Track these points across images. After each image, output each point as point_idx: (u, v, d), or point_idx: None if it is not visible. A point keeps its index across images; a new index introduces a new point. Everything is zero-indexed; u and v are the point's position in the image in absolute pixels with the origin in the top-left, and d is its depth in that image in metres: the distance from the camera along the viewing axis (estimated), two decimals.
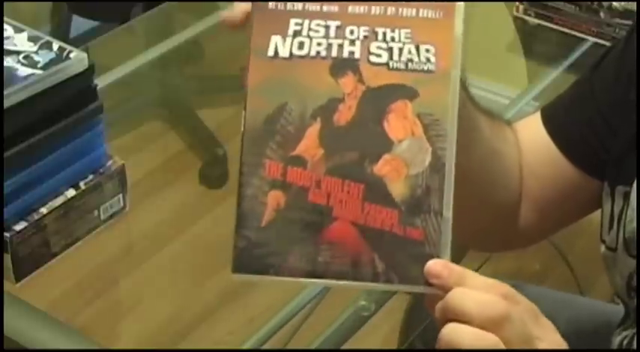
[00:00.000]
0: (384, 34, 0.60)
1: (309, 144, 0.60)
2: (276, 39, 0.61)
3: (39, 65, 1.05)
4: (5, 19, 1.11)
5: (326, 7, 0.61)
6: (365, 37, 0.60)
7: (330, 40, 0.60)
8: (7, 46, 1.08)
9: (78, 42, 1.34)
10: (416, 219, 0.58)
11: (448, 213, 0.59)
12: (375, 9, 0.61)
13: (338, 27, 0.60)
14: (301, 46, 0.61)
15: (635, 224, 0.82)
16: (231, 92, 1.98)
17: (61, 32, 2.42)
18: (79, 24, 2.42)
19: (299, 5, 0.61)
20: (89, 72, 1.09)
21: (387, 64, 0.60)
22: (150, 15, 1.86)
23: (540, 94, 1.48)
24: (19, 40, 1.09)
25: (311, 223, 0.59)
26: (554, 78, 1.52)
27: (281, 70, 0.60)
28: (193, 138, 1.98)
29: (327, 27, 0.60)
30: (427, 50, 0.60)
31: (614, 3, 1.50)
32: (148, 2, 2.16)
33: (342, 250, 0.58)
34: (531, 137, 0.92)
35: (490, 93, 1.92)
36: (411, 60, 0.60)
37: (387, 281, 0.58)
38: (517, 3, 1.59)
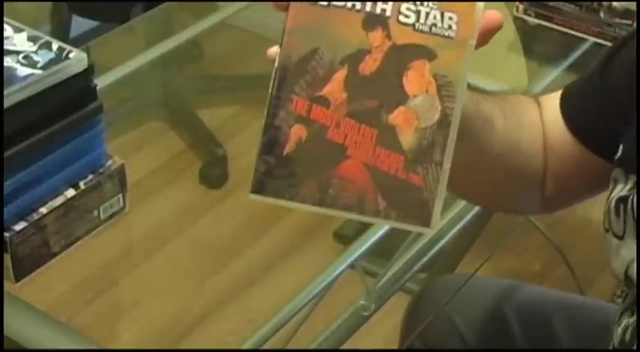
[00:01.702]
0: None
1: (334, 88, 0.65)
2: None
3: (38, 65, 1.05)
4: (5, 19, 1.11)
5: None
6: None
7: None
8: (6, 46, 1.08)
9: (78, 42, 1.33)
10: (419, 166, 0.64)
11: (447, 165, 0.64)
12: None
13: None
14: None
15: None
16: (231, 92, 1.98)
17: (61, 32, 2.42)
18: (79, 24, 2.42)
19: None
20: (89, 72, 1.09)
21: (413, 25, 0.66)
22: (150, 15, 1.86)
23: (540, 94, 1.47)
24: (18, 40, 1.09)
25: (327, 158, 0.65)
26: (554, 78, 1.52)
27: (318, 16, 0.66)
28: (193, 138, 1.99)
29: None
30: (450, 18, 0.66)
31: (614, 3, 1.50)
32: (148, 2, 2.15)
33: (351, 186, 0.64)
34: (552, 115, 0.94)
35: None
36: (435, 24, 0.66)
37: (386, 217, 0.64)
38: (517, 3, 1.59)
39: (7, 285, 1.05)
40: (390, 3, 0.66)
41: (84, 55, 1.08)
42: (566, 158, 0.94)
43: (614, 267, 0.87)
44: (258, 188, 0.65)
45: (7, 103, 1.01)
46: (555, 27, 1.56)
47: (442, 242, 1.25)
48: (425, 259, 1.22)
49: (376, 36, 0.65)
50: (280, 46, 0.66)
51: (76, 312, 1.60)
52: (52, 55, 1.07)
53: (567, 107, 0.94)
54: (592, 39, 1.53)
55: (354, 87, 0.65)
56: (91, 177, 1.12)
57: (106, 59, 1.50)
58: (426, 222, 0.64)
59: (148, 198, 1.69)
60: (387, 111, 0.65)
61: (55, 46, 1.08)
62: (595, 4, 1.51)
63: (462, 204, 1.25)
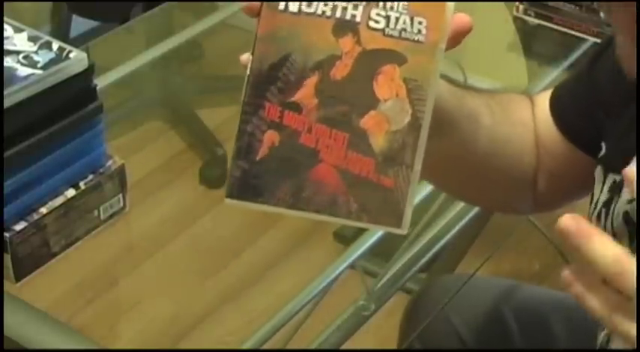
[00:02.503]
0: (385, 3, 0.67)
1: (306, 93, 0.66)
2: None
3: (39, 65, 1.05)
4: (5, 19, 1.11)
5: None
6: (367, 3, 0.67)
7: (336, 2, 0.67)
8: (6, 46, 1.08)
9: (78, 42, 1.33)
10: (389, 169, 0.66)
11: (418, 167, 0.66)
12: None
13: None
14: (309, 4, 0.67)
15: (621, 218, 0.82)
16: (231, 92, 1.98)
17: (61, 32, 2.42)
18: (79, 24, 2.42)
19: None
20: (89, 72, 1.09)
21: (383, 30, 0.67)
22: (150, 15, 1.86)
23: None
24: (18, 40, 1.09)
25: (299, 162, 0.66)
26: (554, 78, 1.52)
27: (289, 23, 0.67)
28: (193, 138, 1.99)
29: None
30: (420, 22, 0.67)
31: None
32: (148, 2, 2.15)
33: (324, 189, 0.66)
34: (543, 113, 0.95)
35: None
36: (404, 29, 0.67)
37: (358, 219, 0.66)
38: (517, 3, 1.59)
39: (7, 285, 1.05)
40: (360, 9, 0.67)
41: (84, 55, 1.08)
42: (558, 156, 0.94)
43: None
44: (233, 192, 0.66)
45: (7, 103, 1.01)
46: (555, 27, 1.56)
47: (442, 242, 1.25)
48: (425, 259, 1.22)
49: (346, 42, 0.67)
50: (252, 53, 0.67)
51: (76, 312, 1.60)
52: (52, 55, 1.07)
53: (556, 106, 0.94)
54: (592, 39, 1.53)
55: (325, 92, 0.66)
56: (91, 177, 1.12)
57: (106, 59, 1.50)
58: (397, 223, 0.66)
59: (148, 198, 1.69)
60: (358, 115, 0.66)
61: (55, 46, 1.08)
62: (595, 4, 1.51)
63: (461, 204, 1.25)
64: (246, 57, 0.68)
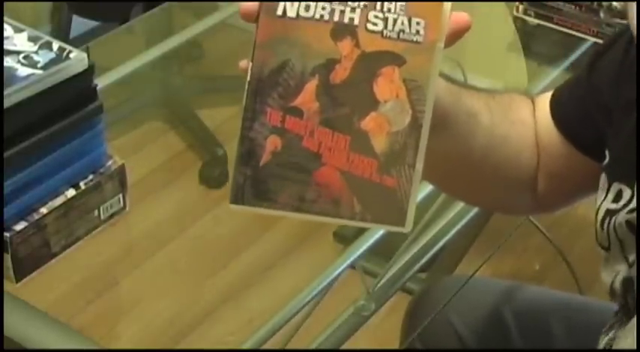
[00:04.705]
0: (382, 4, 0.67)
1: (306, 98, 0.67)
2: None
3: (39, 65, 1.05)
4: (5, 19, 1.11)
5: None
6: (365, 5, 0.67)
7: (334, 6, 0.67)
8: (7, 46, 1.08)
9: (78, 42, 1.33)
10: (392, 169, 0.66)
11: (420, 166, 0.66)
12: None
13: None
14: (307, 8, 0.67)
15: (625, 227, 0.82)
16: (231, 92, 1.98)
17: (61, 32, 2.42)
18: (79, 24, 2.42)
19: None
20: (89, 72, 1.09)
21: (381, 32, 0.67)
22: (150, 15, 1.86)
23: (540, 94, 1.48)
24: (19, 40, 1.09)
25: (302, 166, 0.67)
26: (554, 78, 1.52)
27: (287, 28, 0.67)
28: (193, 138, 1.99)
29: None
30: (418, 23, 0.67)
31: (614, 3, 1.50)
32: (148, 2, 2.16)
33: (327, 191, 0.67)
34: (543, 114, 0.95)
35: None
36: (402, 31, 0.67)
37: (362, 219, 0.66)
38: (517, 3, 1.59)
39: (7, 285, 1.05)
40: (358, 12, 0.67)
41: (84, 55, 1.08)
42: (558, 158, 0.94)
43: (602, 276, 0.87)
44: (238, 198, 0.67)
45: (7, 103, 1.01)
46: (555, 27, 1.56)
47: (442, 242, 1.25)
48: (425, 259, 1.22)
49: (345, 45, 0.67)
50: (251, 60, 0.67)
51: (76, 312, 1.60)
52: (52, 55, 1.07)
53: (557, 109, 0.94)
54: (592, 39, 1.53)
55: (325, 96, 0.67)
56: (91, 177, 1.12)
57: (106, 59, 1.50)
58: (400, 221, 0.66)
59: (148, 198, 1.69)
60: (359, 117, 0.66)
61: (55, 46, 1.08)
62: (595, 4, 1.51)
63: (461, 204, 1.25)
64: (245, 63, 0.68)
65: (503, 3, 1.66)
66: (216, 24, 1.74)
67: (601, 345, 0.91)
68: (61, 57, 1.07)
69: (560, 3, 1.54)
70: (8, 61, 1.05)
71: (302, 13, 0.67)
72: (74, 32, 2.45)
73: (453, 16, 0.68)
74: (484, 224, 1.56)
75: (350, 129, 0.66)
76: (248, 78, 0.67)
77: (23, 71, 1.04)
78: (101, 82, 1.16)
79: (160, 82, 1.95)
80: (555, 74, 1.53)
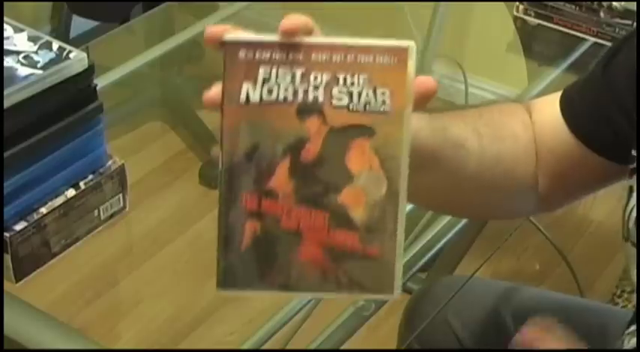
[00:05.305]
0: (345, 79, 0.67)
1: (280, 179, 0.67)
2: (247, 86, 0.67)
3: (39, 65, 1.05)
4: (5, 19, 1.11)
5: (291, 55, 0.67)
6: (327, 82, 0.67)
7: (297, 86, 0.67)
8: (7, 46, 1.08)
9: (78, 42, 1.33)
10: (374, 239, 0.67)
11: (401, 232, 0.67)
12: (336, 56, 0.67)
13: (303, 73, 0.67)
14: (270, 92, 0.67)
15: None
16: None
17: (61, 32, 2.42)
18: (79, 24, 2.42)
19: (267, 54, 0.67)
20: (89, 72, 1.09)
21: (347, 106, 0.67)
22: (150, 15, 1.86)
23: (540, 94, 1.47)
24: (19, 40, 1.09)
25: (284, 247, 0.67)
26: (554, 78, 1.52)
27: (253, 114, 0.67)
28: (193, 138, 1.99)
29: (293, 74, 0.67)
30: (383, 93, 0.67)
31: (614, 3, 1.50)
32: (148, 2, 2.16)
33: (312, 268, 0.67)
34: (547, 117, 0.94)
35: (490, 93, 1.92)
36: (368, 102, 0.67)
37: (349, 291, 0.67)
38: (517, 3, 1.59)
39: (7, 285, 1.05)
40: (321, 89, 0.67)
41: (84, 55, 1.08)
42: (564, 158, 0.93)
43: (631, 275, 0.87)
44: (224, 283, 0.68)
45: (7, 103, 1.01)
46: (555, 27, 1.56)
47: (442, 242, 1.25)
48: (425, 259, 1.22)
49: (312, 123, 0.67)
50: (220, 147, 0.67)
51: (76, 312, 1.60)
52: (52, 55, 1.07)
53: (568, 109, 0.93)
54: (592, 39, 1.53)
55: (299, 175, 0.67)
56: (91, 177, 1.12)
57: (106, 59, 1.50)
58: (388, 289, 0.67)
59: (148, 198, 1.69)
60: (335, 192, 0.67)
61: (55, 46, 1.08)
62: (595, 4, 1.51)
63: None
64: (216, 151, 0.68)
65: (503, 3, 1.66)
66: (216, 24, 1.74)
67: (627, 345, 0.90)
68: (60, 57, 1.07)
69: (560, 3, 1.54)
70: (8, 61, 1.05)
71: (265, 97, 0.67)
72: (74, 32, 2.45)
73: (418, 80, 0.68)
74: (484, 224, 1.55)
75: (327, 205, 0.67)
76: (220, 166, 0.67)
77: (23, 71, 1.04)
78: (101, 82, 1.16)
79: (159, 82, 1.95)
80: (555, 74, 1.53)
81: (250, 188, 0.67)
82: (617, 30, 1.50)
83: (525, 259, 2.09)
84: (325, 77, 0.67)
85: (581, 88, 0.94)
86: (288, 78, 0.67)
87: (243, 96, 0.67)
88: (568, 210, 1.03)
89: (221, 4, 1.81)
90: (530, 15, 1.58)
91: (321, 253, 0.67)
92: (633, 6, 1.49)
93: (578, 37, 1.54)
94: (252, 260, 0.67)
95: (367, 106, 0.66)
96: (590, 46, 1.52)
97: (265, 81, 0.67)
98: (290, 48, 0.67)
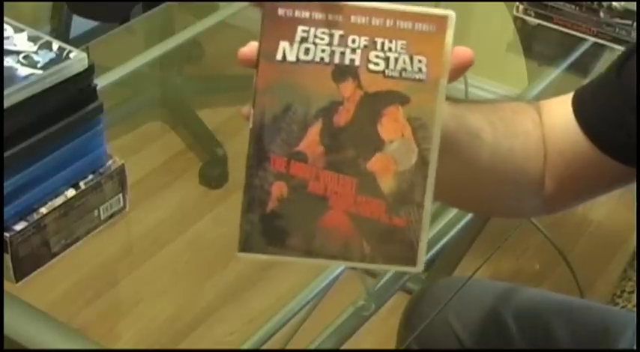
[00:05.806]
0: (383, 44, 0.66)
1: (310, 142, 0.66)
2: (284, 44, 0.66)
3: (39, 65, 1.05)
4: (5, 19, 1.11)
5: (331, 17, 0.66)
6: (365, 46, 0.66)
7: (334, 48, 0.66)
8: (6, 46, 1.08)
9: (78, 42, 1.33)
10: (400, 209, 0.66)
11: (429, 205, 0.67)
12: (375, 20, 0.66)
13: (341, 36, 0.66)
14: (307, 51, 0.66)
15: None
16: (231, 92, 1.98)
17: (61, 32, 2.42)
18: (79, 24, 2.42)
19: (306, 13, 0.66)
20: (89, 72, 1.09)
21: (383, 72, 0.66)
22: (150, 15, 1.86)
23: (540, 94, 1.48)
24: (18, 40, 1.09)
25: (309, 211, 0.66)
26: (554, 78, 1.52)
27: (288, 73, 0.66)
28: (193, 138, 1.99)
29: (331, 35, 0.66)
30: (419, 61, 0.66)
31: (614, 3, 1.50)
32: (148, 2, 2.16)
33: (336, 235, 0.66)
34: (557, 118, 0.94)
35: (490, 93, 1.91)
36: (405, 69, 0.66)
37: (372, 261, 0.66)
38: (517, 3, 1.59)
39: (7, 285, 1.05)
40: (359, 52, 0.66)
41: (84, 55, 1.08)
42: (574, 160, 0.93)
43: None
44: (246, 246, 0.66)
45: (7, 103, 1.01)
46: (555, 27, 1.56)
47: (442, 242, 1.25)
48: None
49: (347, 87, 0.66)
50: (253, 106, 0.66)
51: (76, 312, 1.60)
52: (52, 55, 1.07)
53: (581, 110, 0.92)
54: (592, 39, 1.53)
55: (329, 139, 0.66)
56: (91, 177, 1.12)
57: (106, 59, 1.50)
58: (411, 261, 0.66)
59: (148, 198, 1.69)
60: (365, 159, 0.66)
61: (55, 46, 1.08)
62: (595, 4, 1.51)
63: None
64: (247, 110, 0.67)
65: (503, 3, 1.66)
66: (216, 24, 1.74)
67: None
68: (60, 57, 1.07)
69: (560, 3, 1.54)
70: (8, 61, 1.05)
71: (302, 56, 0.66)
72: (74, 32, 2.45)
73: (455, 50, 0.67)
74: (484, 224, 1.56)
75: (356, 171, 0.66)
76: (250, 125, 0.66)
77: (23, 71, 1.04)
78: (101, 82, 1.16)
79: (159, 82, 1.95)
80: (555, 74, 1.53)
81: (279, 149, 0.66)
82: (617, 30, 1.50)
83: (525, 259, 2.09)
84: (363, 41, 0.66)
85: (594, 90, 0.94)
86: (326, 39, 0.66)
87: (279, 55, 0.66)
88: (568, 210, 1.03)
89: (221, 4, 1.81)
90: (530, 15, 1.58)
91: (347, 220, 0.66)
92: (633, 6, 1.49)
93: (578, 37, 1.54)
94: (276, 223, 0.66)
95: (403, 73, 0.66)
96: (590, 46, 1.52)
97: (303, 40, 0.66)
98: (330, 9, 0.66)
